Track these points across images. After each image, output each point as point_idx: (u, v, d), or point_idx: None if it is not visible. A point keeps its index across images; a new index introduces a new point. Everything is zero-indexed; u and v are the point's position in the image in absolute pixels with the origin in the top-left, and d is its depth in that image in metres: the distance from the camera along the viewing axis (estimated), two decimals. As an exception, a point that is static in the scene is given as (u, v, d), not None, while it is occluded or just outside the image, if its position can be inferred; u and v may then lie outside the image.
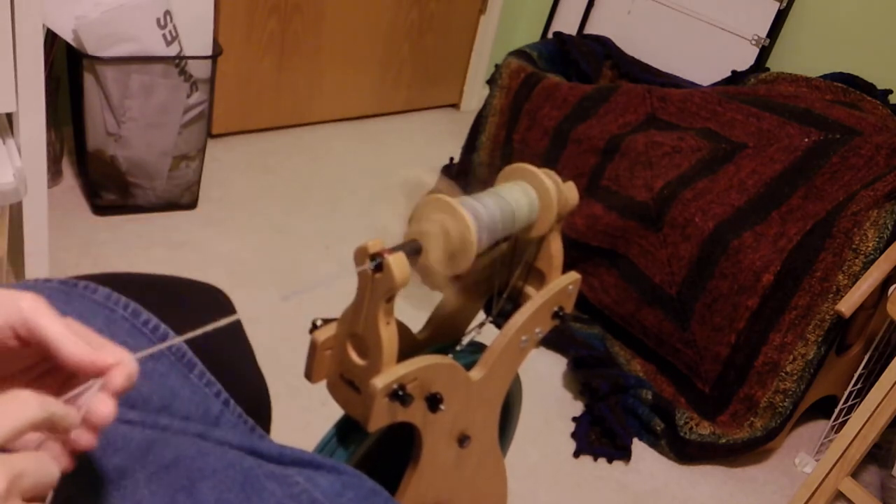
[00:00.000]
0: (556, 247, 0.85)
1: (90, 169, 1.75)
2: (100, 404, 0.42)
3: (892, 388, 1.33)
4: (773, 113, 1.72)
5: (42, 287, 0.65)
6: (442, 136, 2.55)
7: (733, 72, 2.08)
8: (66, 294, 0.65)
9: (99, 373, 0.43)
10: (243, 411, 0.67)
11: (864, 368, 1.58)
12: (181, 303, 0.75)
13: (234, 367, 0.72)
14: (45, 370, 0.46)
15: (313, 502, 0.58)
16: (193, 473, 0.55)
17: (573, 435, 1.54)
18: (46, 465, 0.39)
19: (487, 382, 0.82)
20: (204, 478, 0.55)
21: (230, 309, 0.80)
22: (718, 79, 2.11)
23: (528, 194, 0.79)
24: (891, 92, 1.89)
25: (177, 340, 0.53)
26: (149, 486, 0.53)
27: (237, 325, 0.79)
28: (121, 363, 0.43)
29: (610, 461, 1.51)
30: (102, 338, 0.45)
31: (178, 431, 0.58)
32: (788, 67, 2.01)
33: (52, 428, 0.39)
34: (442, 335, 0.87)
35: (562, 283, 0.86)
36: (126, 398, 0.59)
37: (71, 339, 0.42)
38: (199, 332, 0.51)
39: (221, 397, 0.65)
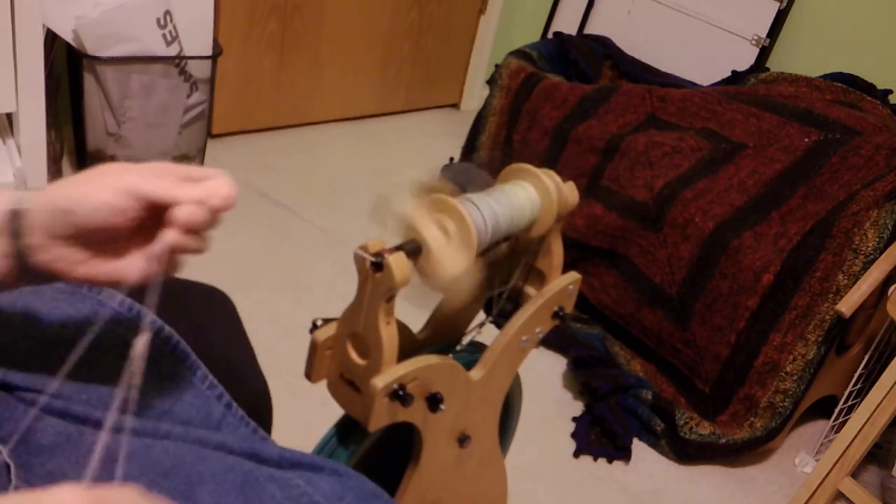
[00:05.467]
0: (556, 247, 0.85)
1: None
2: (169, 234, 0.52)
3: (892, 388, 1.33)
4: (773, 113, 1.72)
5: (47, 287, 0.65)
6: (442, 136, 2.55)
7: (733, 72, 2.08)
8: (72, 295, 0.65)
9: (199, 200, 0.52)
10: (245, 413, 0.67)
11: (864, 368, 1.58)
12: (183, 303, 0.75)
13: (235, 369, 0.72)
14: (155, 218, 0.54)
15: (313, 505, 0.58)
16: (192, 479, 0.55)
17: (573, 435, 1.54)
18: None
19: (487, 382, 0.82)
20: (203, 483, 0.55)
21: (231, 309, 0.81)
22: (718, 79, 2.11)
23: (529, 194, 0.79)
24: (891, 92, 1.89)
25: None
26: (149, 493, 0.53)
27: (238, 326, 0.79)
28: (210, 189, 0.53)
29: (610, 461, 1.51)
30: (202, 171, 0.55)
31: (178, 437, 0.58)
32: (788, 67, 2.01)
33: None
34: (442, 335, 0.87)
35: (562, 283, 0.86)
36: (127, 406, 0.59)
37: (170, 185, 0.53)
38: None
39: (223, 400, 0.65)
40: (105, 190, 0.51)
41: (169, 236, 0.52)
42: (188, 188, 0.52)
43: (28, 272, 0.53)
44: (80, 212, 0.50)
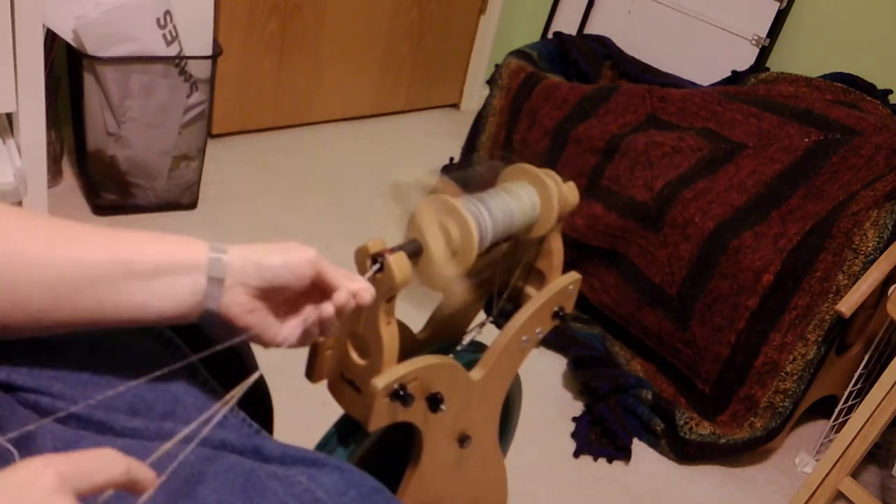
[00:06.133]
0: (556, 247, 0.85)
1: (90, 169, 1.75)
2: (328, 308, 0.64)
3: (892, 388, 1.33)
4: (773, 113, 1.72)
5: None
6: (442, 136, 2.55)
7: (733, 72, 2.08)
8: None
9: (353, 293, 0.64)
10: (246, 415, 0.67)
11: (864, 368, 1.58)
12: None
13: (234, 370, 0.72)
14: (308, 292, 0.65)
15: (316, 501, 0.58)
16: (195, 477, 0.55)
17: (573, 435, 1.54)
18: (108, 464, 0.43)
19: (488, 382, 0.82)
20: (205, 481, 0.55)
21: None
22: (718, 79, 2.11)
23: (529, 194, 0.79)
24: (891, 92, 1.89)
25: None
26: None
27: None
28: (360, 287, 0.64)
29: (610, 461, 1.51)
30: (350, 273, 0.66)
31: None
32: (788, 67, 2.01)
33: (129, 487, 0.45)
34: (442, 335, 0.87)
35: (562, 283, 0.86)
36: (131, 406, 0.59)
37: (341, 273, 0.64)
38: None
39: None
40: (298, 257, 0.62)
41: (328, 310, 0.63)
42: (350, 280, 0.65)
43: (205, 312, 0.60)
44: (276, 268, 0.61)
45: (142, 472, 0.46)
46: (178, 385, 0.63)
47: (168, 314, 0.59)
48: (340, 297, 0.64)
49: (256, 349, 0.80)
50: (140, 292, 0.57)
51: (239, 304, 0.61)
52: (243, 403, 0.67)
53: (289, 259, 0.62)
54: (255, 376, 0.61)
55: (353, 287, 0.64)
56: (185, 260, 0.59)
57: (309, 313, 0.65)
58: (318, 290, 0.65)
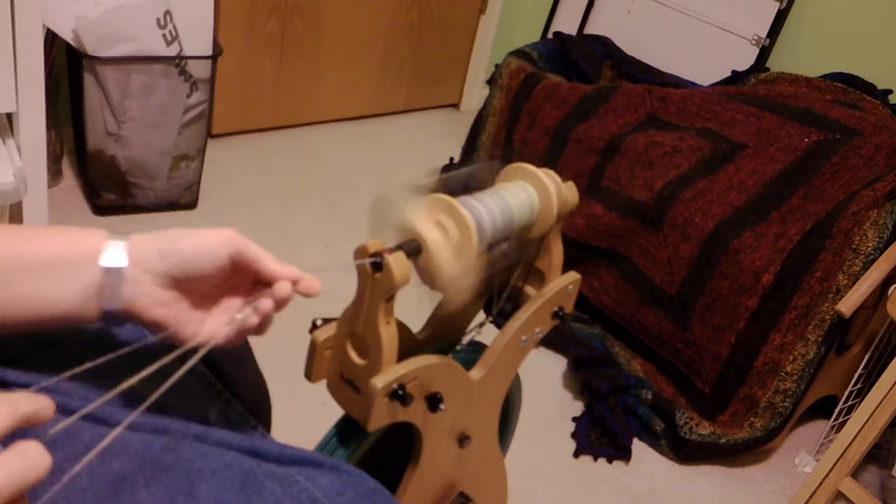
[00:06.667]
0: (556, 247, 0.85)
1: (90, 169, 1.75)
2: (266, 302, 0.57)
3: (892, 388, 1.33)
4: (773, 113, 1.72)
5: None
6: (442, 136, 2.55)
7: (733, 72, 2.08)
8: None
9: (297, 284, 0.57)
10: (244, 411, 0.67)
11: (864, 368, 1.58)
12: None
13: (233, 369, 0.72)
14: (234, 284, 0.58)
15: (313, 501, 0.58)
16: (193, 475, 0.55)
17: (573, 435, 1.54)
18: (30, 465, 0.39)
19: (487, 382, 0.82)
20: (203, 479, 0.55)
21: None
22: (718, 79, 2.11)
23: (529, 194, 0.79)
24: (891, 92, 1.89)
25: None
26: (148, 489, 0.53)
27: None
28: (305, 276, 0.58)
29: (610, 461, 1.51)
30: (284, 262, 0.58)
31: (178, 433, 0.58)
32: (788, 67, 2.01)
33: (28, 424, 0.41)
34: (442, 335, 0.87)
35: (562, 283, 0.86)
36: (127, 401, 0.59)
37: (270, 258, 0.57)
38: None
39: (222, 398, 0.65)
40: (211, 238, 0.55)
41: (265, 305, 0.56)
42: (287, 267, 0.57)
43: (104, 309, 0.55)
44: (183, 251, 0.54)
45: (30, 403, 0.42)
46: (175, 385, 0.63)
47: (69, 310, 0.54)
48: (283, 289, 0.57)
49: (256, 349, 0.80)
50: (32, 287, 0.53)
51: (145, 296, 0.55)
52: (242, 403, 0.67)
53: (197, 242, 0.55)
54: (209, 346, 0.56)
55: (294, 273, 0.57)
56: (77, 251, 0.54)
57: (237, 307, 0.58)
58: (249, 279, 0.59)
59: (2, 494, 0.37)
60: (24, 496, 0.39)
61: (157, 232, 0.56)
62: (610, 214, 1.69)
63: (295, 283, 0.58)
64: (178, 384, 0.63)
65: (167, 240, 0.55)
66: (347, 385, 0.72)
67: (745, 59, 2.10)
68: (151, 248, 0.54)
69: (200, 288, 0.56)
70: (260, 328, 0.59)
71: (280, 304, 0.57)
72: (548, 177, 0.79)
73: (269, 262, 0.57)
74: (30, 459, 0.39)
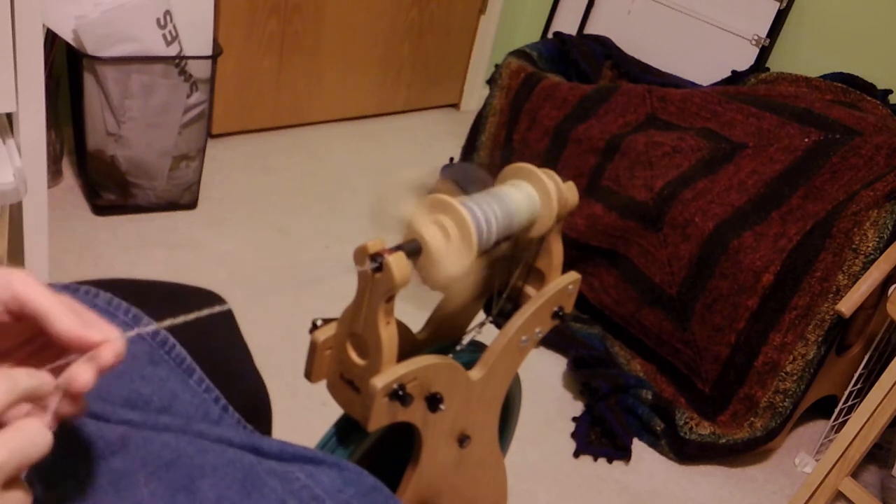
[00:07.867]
0: (556, 247, 0.85)
1: (90, 169, 1.75)
2: (80, 374, 0.42)
3: (892, 388, 1.33)
4: (773, 113, 1.72)
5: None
6: (442, 136, 2.55)
7: (733, 72, 2.08)
8: (73, 293, 0.65)
9: (88, 347, 0.43)
10: (242, 417, 0.67)
11: (864, 368, 1.58)
12: (180, 308, 0.75)
13: (231, 371, 0.72)
14: (43, 344, 0.46)
15: (314, 498, 0.58)
16: (193, 472, 0.55)
17: (573, 435, 1.54)
18: (33, 438, 0.38)
19: (487, 382, 0.82)
20: (204, 476, 0.55)
21: (228, 315, 0.80)
22: (718, 79, 2.11)
23: (529, 194, 0.79)
24: (891, 92, 1.89)
25: (154, 326, 0.53)
26: (148, 486, 0.53)
27: (233, 328, 0.79)
28: (109, 341, 0.43)
29: (610, 461, 1.51)
30: (94, 315, 0.45)
31: (179, 430, 0.58)
32: (788, 67, 2.01)
33: (31, 400, 0.39)
34: (442, 335, 0.87)
35: (562, 283, 0.86)
36: (128, 399, 0.59)
37: (62, 313, 0.43)
38: (181, 319, 0.50)
39: (220, 403, 0.65)
40: None
41: (77, 380, 0.42)
42: (86, 329, 0.42)
43: None
44: None
45: (30, 379, 0.38)
46: (174, 382, 0.63)
47: None
48: (78, 378, 0.41)
49: (256, 349, 0.80)
50: None
51: None
52: (240, 405, 0.67)
53: None
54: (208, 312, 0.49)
55: (94, 338, 0.42)
56: None
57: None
58: (43, 340, 0.45)
59: (2, 470, 0.36)
60: (19, 476, 0.39)
61: None
62: (610, 214, 1.69)
63: (94, 349, 0.43)
64: (177, 386, 0.63)
65: None
66: (347, 385, 0.72)
67: (745, 59, 2.10)
68: None
69: None
70: (74, 405, 0.44)
71: (77, 396, 0.42)
72: (548, 177, 0.79)
73: (59, 319, 0.42)
74: (30, 436, 0.38)
